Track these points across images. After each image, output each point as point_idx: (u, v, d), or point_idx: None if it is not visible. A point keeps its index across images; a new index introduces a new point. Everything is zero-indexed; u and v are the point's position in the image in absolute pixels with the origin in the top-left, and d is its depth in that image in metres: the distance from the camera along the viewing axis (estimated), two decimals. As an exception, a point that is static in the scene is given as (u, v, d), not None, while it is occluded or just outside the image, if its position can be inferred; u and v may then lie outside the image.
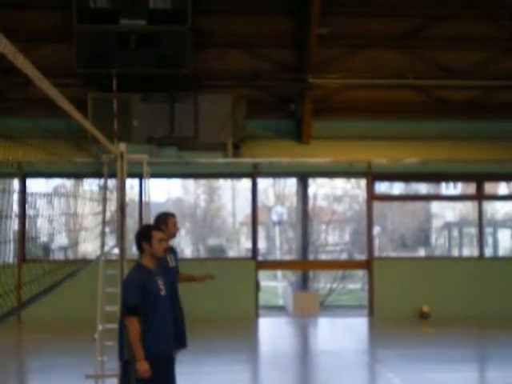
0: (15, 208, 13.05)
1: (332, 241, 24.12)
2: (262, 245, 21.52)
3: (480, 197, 15.91)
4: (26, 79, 3.75)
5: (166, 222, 6.82)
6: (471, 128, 15.24)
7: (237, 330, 13.72)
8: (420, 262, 17.45)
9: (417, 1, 14.91)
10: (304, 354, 12.38)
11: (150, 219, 8.23)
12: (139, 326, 5.49)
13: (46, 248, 13.69)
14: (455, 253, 21.62)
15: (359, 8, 14.89)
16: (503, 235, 20.39)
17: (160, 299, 5.65)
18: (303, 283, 16.38)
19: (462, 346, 12.26)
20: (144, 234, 5.77)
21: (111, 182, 8.53)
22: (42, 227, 6.22)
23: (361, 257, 17.74)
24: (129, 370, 5.72)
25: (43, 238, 7.72)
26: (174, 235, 7.05)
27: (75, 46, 13.77)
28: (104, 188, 8.53)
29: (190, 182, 23.35)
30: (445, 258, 20.05)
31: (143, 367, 5.47)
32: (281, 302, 20.06)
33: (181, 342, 6.94)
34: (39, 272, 5.12)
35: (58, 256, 13.83)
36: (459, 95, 15.46)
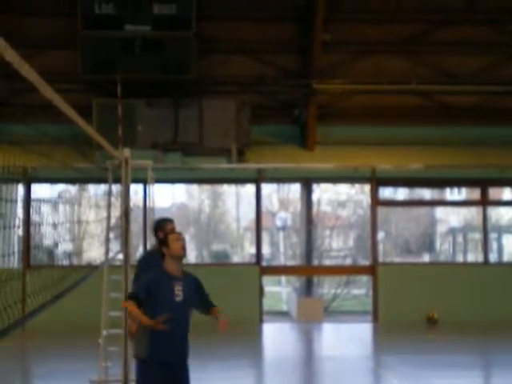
0: (20, 214, 13.08)
1: (336, 246, 24.08)
2: (266, 250, 21.51)
3: (484, 202, 15.89)
4: (30, 85, 3.76)
5: (163, 227, 6.70)
6: (475, 133, 15.23)
7: (241, 335, 13.69)
8: (424, 267, 17.42)
9: (420, 6, 14.93)
10: (308, 359, 12.37)
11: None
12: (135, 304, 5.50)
13: (51, 254, 13.71)
14: (460, 258, 21.56)
15: (362, 14, 14.91)
16: (508, 241, 20.34)
17: (172, 304, 5.60)
18: (307, 289, 16.37)
19: (467, 351, 12.23)
20: (162, 241, 5.85)
21: (115, 188, 8.54)
22: (46, 233, 6.23)
23: (365, 262, 17.71)
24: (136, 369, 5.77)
25: (48, 244, 7.74)
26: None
27: (80, 52, 13.82)
28: (108, 194, 8.54)
29: (194, 188, 23.35)
30: (449, 263, 20.00)
31: (150, 322, 5.39)
32: (285, 308, 20.04)
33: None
34: (44, 278, 5.12)
35: (63, 262, 13.84)
36: (463, 101, 15.46)
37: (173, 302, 5.61)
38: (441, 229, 24.18)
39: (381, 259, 16.17)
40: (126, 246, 7.56)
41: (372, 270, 15.29)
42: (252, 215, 16.79)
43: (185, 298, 5.68)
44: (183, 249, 5.72)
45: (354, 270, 19.09)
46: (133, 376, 6.74)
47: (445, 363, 10.97)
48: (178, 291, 5.65)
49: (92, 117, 13.59)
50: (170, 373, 5.62)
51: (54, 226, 6.37)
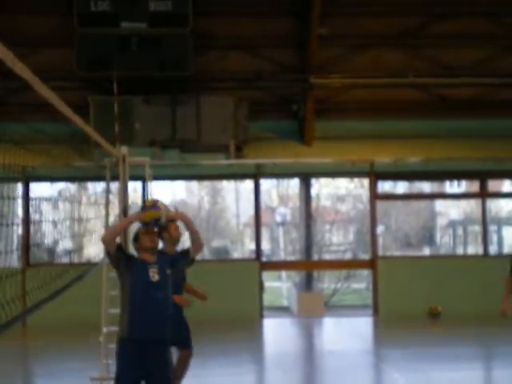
0: (19, 212, 13.08)
1: (336, 240, 24.06)
2: (265, 246, 21.50)
3: (484, 195, 15.90)
4: (26, 84, 3.75)
5: (167, 227, 6.70)
6: (473, 126, 15.22)
7: (241, 331, 13.71)
8: (424, 260, 17.43)
9: (417, -1, 14.90)
10: (309, 354, 12.38)
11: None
12: None
13: (50, 252, 13.69)
14: (460, 251, 21.56)
15: (360, 8, 14.88)
16: (507, 233, 20.34)
17: (149, 284, 5.81)
18: (307, 283, 16.37)
19: (467, 344, 12.24)
20: (134, 239, 6.19)
21: (114, 186, 8.53)
22: (46, 231, 6.25)
23: (365, 256, 17.69)
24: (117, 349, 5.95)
25: (47, 242, 7.74)
26: (177, 240, 6.97)
27: (76, 50, 13.79)
28: (106, 191, 8.54)
29: (194, 184, 23.35)
30: (449, 256, 20.00)
31: (139, 213, 6.16)
32: (285, 303, 20.03)
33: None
34: (43, 277, 5.13)
35: (62, 260, 13.83)
36: (460, 93, 15.45)
37: (149, 281, 5.83)
38: (441, 222, 24.16)
39: (381, 253, 16.19)
40: (124, 243, 7.56)
41: (372, 263, 15.30)
42: (251, 211, 16.78)
43: (161, 278, 5.88)
44: (153, 241, 6.01)
45: (353, 264, 19.08)
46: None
47: (446, 356, 10.98)
48: (154, 273, 5.87)
49: (89, 115, 13.57)
50: (146, 350, 5.71)
51: (54, 223, 6.38)
